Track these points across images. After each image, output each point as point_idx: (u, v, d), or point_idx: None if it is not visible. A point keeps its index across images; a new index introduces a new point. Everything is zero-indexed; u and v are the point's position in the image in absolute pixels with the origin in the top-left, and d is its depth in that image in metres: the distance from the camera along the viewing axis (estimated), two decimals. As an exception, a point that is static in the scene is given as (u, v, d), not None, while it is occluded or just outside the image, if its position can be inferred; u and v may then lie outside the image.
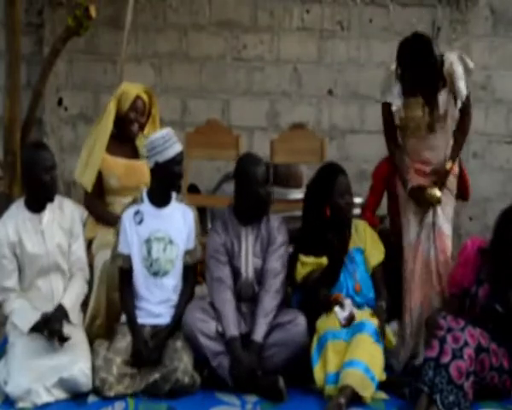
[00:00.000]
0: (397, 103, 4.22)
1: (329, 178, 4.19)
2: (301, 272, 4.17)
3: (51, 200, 4.03)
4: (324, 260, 4.11)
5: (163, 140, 4.04)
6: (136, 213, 4.13)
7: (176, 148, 4.07)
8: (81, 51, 6.35)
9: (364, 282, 4.16)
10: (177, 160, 4.07)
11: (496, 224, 3.98)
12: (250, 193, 4.09)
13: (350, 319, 3.93)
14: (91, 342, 4.02)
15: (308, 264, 4.15)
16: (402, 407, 3.84)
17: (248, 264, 4.14)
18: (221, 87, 6.51)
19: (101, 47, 6.41)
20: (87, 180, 4.49)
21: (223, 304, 4.04)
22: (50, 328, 3.84)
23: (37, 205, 4.03)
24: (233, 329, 3.98)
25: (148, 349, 3.92)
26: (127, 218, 4.13)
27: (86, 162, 4.52)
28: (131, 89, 4.60)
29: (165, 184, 4.12)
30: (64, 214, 4.09)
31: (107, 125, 4.53)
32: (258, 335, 3.95)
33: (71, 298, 4.02)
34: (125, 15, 5.52)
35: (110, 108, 4.55)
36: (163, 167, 4.05)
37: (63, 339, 3.84)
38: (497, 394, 3.90)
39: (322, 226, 4.13)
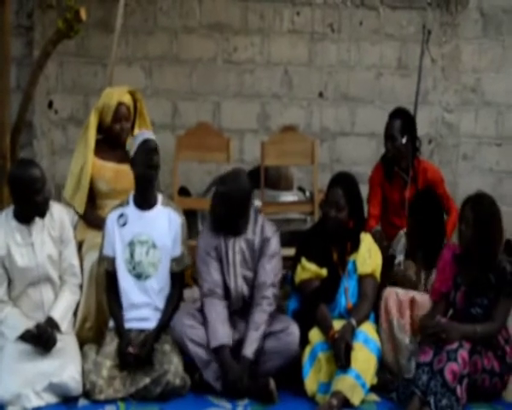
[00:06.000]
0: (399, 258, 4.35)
1: (328, 186, 4.18)
2: (300, 275, 4.13)
3: (43, 216, 3.99)
4: (324, 272, 4.09)
5: (135, 138, 4.16)
6: (121, 215, 4.14)
7: (143, 136, 4.11)
8: (71, 54, 6.33)
9: (355, 298, 4.11)
10: (145, 147, 4.06)
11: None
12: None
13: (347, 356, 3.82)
14: (81, 345, 4.01)
15: (308, 270, 4.11)
16: (393, 409, 3.84)
17: (237, 276, 4.10)
18: (212, 90, 6.50)
19: (92, 50, 6.39)
20: (79, 204, 4.48)
21: (209, 313, 4.00)
22: (41, 342, 3.83)
23: (26, 216, 3.99)
24: (221, 337, 3.94)
25: (132, 354, 3.89)
26: (111, 220, 4.14)
27: (76, 183, 4.50)
28: (112, 98, 4.52)
29: (140, 177, 4.10)
30: (54, 221, 4.05)
31: (91, 143, 4.49)
32: (249, 351, 3.92)
33: (60, 309, 4.00)
34: (115, 18, 5.50)
35: (91, 122, 4.51)
36: (135, 160, 4.09)
37: (49, 347, 3.84)
38: (487, 395, 3.91)
39: (323, 234, 4.13)
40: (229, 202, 4.04)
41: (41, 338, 3.84)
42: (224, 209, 4.07)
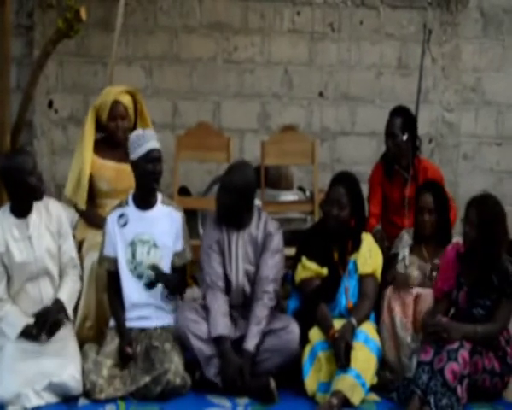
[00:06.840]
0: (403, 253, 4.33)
1: (329, 184, 4.19)
2: (301, 274, 4.14)
3: (40, 199, 3.98)
4: (324, 271, 4.09)
5: (137, 138, 4.06)
6: (121, 216, 4.13)
7: (149, 145, 4.04)
8: (72, 53, 6.33)
9: (356, 298, 4.11)
10: (149, 157, 4.03)
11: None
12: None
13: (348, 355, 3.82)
14: (81, 345, 4.01)
15: (309, 269, 4.11)
16: (394, 409, 3.84)
17: (239, 270, 4.11)
18: (212, 89, 6.50)
19: (92, 49, 6.39)
20: (81, 200, 4.48)
21: (211, 304, 4.01)
22: (46, 319, 3.84)
23: (23, 209, 3.98)
24: (222, 328, 3.95)
25: (130, 355, 3.91)
26: (111, 221, 4.13)
27: (77, 181, 4.50)
28: (109, 95, 4.53)
29: (141, 183, 4.10)
30: (51, 216, 4.05)
31: (87, 140, 4.50)
32: (250, 344, 3.93)
33: (66, 293, 4.01)
34: (115, 18, 5.51)
35: (88, 119, 4.51)
36: (137, 165, 4.06)
37: (53, 331, 3.84)
38: (487, 395, 3.91)
39: (324, 233, 4.14)
40: (234, 191, 4.04)
41: (48, 316, 3.84)
42: (228, 199, 4.06)
